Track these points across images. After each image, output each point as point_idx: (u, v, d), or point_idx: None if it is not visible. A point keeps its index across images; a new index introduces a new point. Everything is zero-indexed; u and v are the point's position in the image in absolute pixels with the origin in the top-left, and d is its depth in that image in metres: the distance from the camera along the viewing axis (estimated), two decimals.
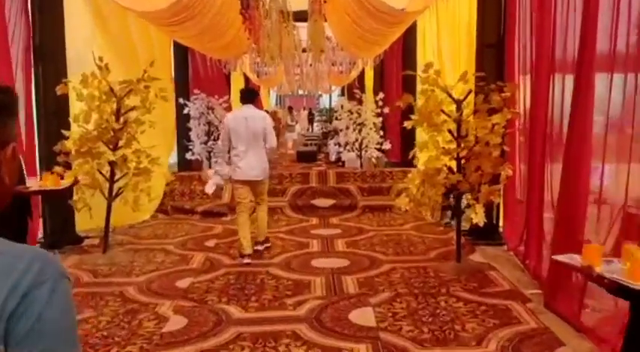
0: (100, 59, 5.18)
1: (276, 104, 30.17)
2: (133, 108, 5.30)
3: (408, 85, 9.38)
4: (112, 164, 5.26)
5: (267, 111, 19.01)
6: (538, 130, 4.67)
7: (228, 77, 13.87)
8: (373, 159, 10.43)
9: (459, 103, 4.65)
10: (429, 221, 6.80)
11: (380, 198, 7.71)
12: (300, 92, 27.38)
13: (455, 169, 4.76)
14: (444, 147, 4.70)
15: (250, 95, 5.58)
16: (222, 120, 10.04)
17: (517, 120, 5.16)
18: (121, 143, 5.28)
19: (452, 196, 4.71)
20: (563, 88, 4.38)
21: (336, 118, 11.11)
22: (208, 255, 5.48)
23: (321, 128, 18.83)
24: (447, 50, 7.85)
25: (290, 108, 19.43)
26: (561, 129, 4.46)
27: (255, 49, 7.67)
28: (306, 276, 4.77)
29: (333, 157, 13.29)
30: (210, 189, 6.03)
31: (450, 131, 4.66)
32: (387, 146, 10.13)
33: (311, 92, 27.46)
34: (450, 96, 4.65)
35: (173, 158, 10.50)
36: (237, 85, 14.75)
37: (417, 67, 9.10)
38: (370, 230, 6.52)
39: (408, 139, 9.54)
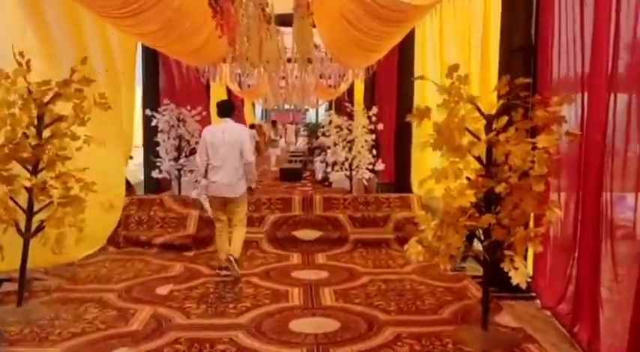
0: (21, 54, 3.97)
1: (262, 118, 29.12)
2: (60, 119, 4.07)
3: (405, 99, 8.33)
4: (30, 191, 4.01)
5: (252, 125, 17.83)
6: (593, 158, 3.53)
7: (207, 88, 12.74)
8: (364, 181, 9.27)
9: (490, 120, 3.50)
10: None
11: (374, 230, 6.50)
12: (287, 106, 26.36)
13: (478, 207, 3.59)
14: (469, 178, 3.53)
15: (228, 108, 5.38)
16: (194, 134, 8.97)
17: None
18: (43, 163, 4.04)
19: (482, 245, 3.52)
20: (630, 105, 3.27)
21: (324, 134, 9.97)
22: (156, 310, 4.21)
23: (307, 143, 17.68)
24: (455, 58, 6.72)
25: (274, 122, 18.26)
26: (627, 157, 3.35)
27: (231, 51, 6.49)
28: (283, 349, 3.53)
29: (319, 176, 12.17)
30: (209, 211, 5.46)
31: (478, 157, 3.50)
32: (380, 167, 8.98)
33: (297, 106, 26.43)
34: (479, 110, 3.50)
35: (141, 176, 9.30)
36: (217, 97, 13.52)
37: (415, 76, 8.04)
38: (364, 273, 5.30)
39: (402, 159, 8.45)
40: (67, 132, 4.11)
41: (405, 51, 8.18)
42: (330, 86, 15.03)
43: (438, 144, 3.51)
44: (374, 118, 8.99)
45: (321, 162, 12.00)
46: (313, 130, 18.46)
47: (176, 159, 8.77)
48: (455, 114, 3.48)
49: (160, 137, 8.73)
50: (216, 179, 5.09)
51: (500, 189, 3.28)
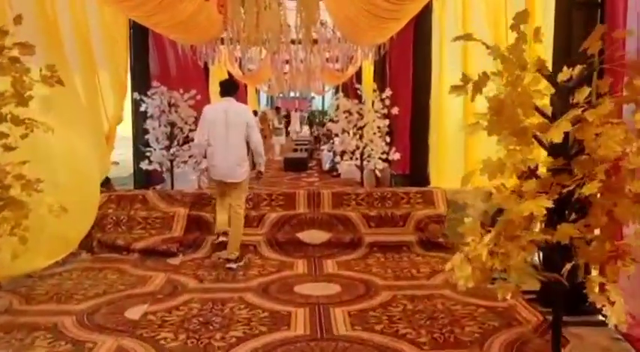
0: None
1: (267, 105, 28.17)
2: None
3: (421, 80, 7.37)
4: None
5: (255, 112, 16.93)
6: None
7: (206, 72, 11.80)
8: (377, 172, 8.31)
9: (565, 94, 2.52)
10: None
11: (393, 231, 5.55)
12: (292, 94, 25.41)
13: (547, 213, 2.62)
14: (535, 174, 2.55)
15: (231, 87, 5.12)
16: (188, 121, 8.06)
17: None
18: None
19: (563, 270, 2.55)
20: None
21: (331, 120, 9.01)
22: (121, 345, 3.29)
23: (312, 131, 16.71)
24: (484, 27, 5.66)
25: (277, 109, 17.25)
26: None
27: (222, 19, 5.53)
28: None
29: (326, 166, 11.30)
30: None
31: (550, 144, 2.52)
32: (395, 156, 8.00)
33: (303, 93, 25.45)
34: (551, 80, 2.53)
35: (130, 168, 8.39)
36: (217, 82, 12.63)
37: (432, 55, 7.10)
38: (384, 287, 4.36)
39: (419, 147, 7.50)
40: (7, 115, 3.18)
41: (420, 26, 7.23)
42: (337, 70, 14.07)
43: (494, 127, 2.53)
44: (387, 101, 8.02)
45: (329, 151, 11.13)
46: (314, 119, 17.50)
47: (168, 148, 7.87)
48: (518, 85, 2.51)
49: (149, 124, 7.83)
50: (216, 162, 4.85)
51: (591, 189, 2.29)
